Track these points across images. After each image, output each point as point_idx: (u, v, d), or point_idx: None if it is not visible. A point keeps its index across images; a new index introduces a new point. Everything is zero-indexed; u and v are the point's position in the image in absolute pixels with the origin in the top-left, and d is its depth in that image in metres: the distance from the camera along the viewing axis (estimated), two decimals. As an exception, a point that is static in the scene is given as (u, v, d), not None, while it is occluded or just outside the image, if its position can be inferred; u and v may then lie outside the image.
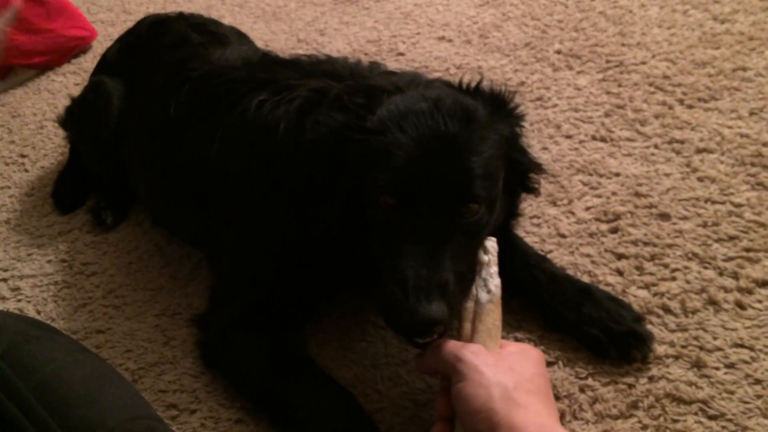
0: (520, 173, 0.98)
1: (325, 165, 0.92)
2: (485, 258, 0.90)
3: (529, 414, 0.74)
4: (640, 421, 0.92)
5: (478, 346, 0.84)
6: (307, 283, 1.06)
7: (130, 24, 1.66)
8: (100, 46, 2.27)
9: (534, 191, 1.02)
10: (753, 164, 1.27)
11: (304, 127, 0.98)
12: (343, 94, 0.96)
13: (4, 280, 1.40)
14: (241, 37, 1.56)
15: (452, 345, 0.84)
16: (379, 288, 0.87)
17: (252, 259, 1.10)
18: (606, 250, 1.17)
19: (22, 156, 1.80)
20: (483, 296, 0.88)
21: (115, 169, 1.48)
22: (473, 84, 0.98)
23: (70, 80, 2.12)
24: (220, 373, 1.10)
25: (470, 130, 0.88)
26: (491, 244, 0.92)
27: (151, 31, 1.52)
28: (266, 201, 1.06)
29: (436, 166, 0.85)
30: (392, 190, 0.86)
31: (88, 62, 2.19)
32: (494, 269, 0.90)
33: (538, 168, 1.00)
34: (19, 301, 1.34)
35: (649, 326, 1.02)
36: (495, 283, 0.89)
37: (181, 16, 1.56)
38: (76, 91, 1.84)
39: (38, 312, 1.31)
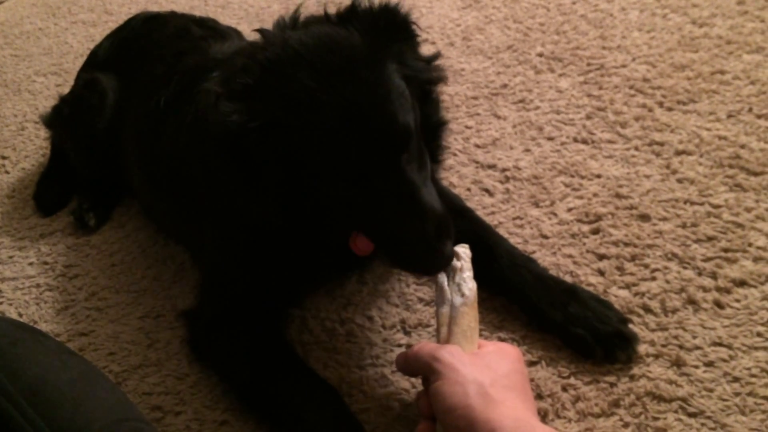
0: (422, 83, 0.97)
1: (233, 162, 0.88)
2: (458, 264, 0.92)
3: (506, 408, 0.75)
4: (621, 419, 0.94)
5: (455, 346, 0.86)
6: (280, 270, 1.07)
7: (112, 25, 1.66)
8: (80, 47, 2.26)
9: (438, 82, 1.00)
10: (731, 166, 1.29)
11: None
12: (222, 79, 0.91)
13: (-15, 282, 1.39)
14: (240, 36, 1.57)
15: (430, 347, 0.86)
16: (385, 248, 0.92)
17: (225, 253, 1.11)
18: (587, 251, 1.19)
19: (3, 158, 1.78)
20: (457, 300, 0.90)
21: (106, 166, 1.48)
22: (345, 10, 0.92)
23: (51, 81, 2.10)
24: (208, 367, 1.11)
25: (368, 78, 0.85)
26: (463, 250, 0.94)
27: (147, 26, 1.52)
28: (219, 192, 1.04)
29: (364, 135, 0.83)
30: (341, 178, 0.86)
31: (69, 63, 2.18)
32: (467, 274, 0.92)
33: (436, 77, 0.99)
34: (0, 303, 1.33)
35: (631, 326, 1.03)
36: (469, 287, 0.91)
37: (175, 14, 1.56)
38: (57, 92, 1.83)
39: (20, 315, 1.30)
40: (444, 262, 0.90)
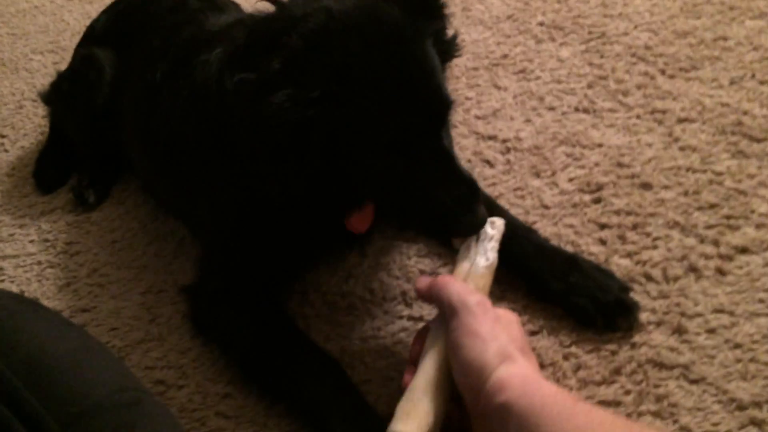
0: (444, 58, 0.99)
1: (285, 150, 0.87)
2: (491, 232, 0.93)
3: (516, 368, 0.76)
4: (622, 387, 0.94)
5: (485, 298, 0.85)
6: (282, 244, 1.07)
7: (108, 1, 1.63)
8: (77, 24, 2.24)
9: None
10: (733, 133, 1.28)
11: (226, 89, 0.91)
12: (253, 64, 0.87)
13: (-14, 260, 1.39)
14: (238, 8, 1.55)
15: (461, 287, 0.85)
16: (417, 217, 0.95)
17: (225, 227, 1.11)
18: (589, 221, 1.18)
19: (2, 136, 1.77)
20: (480, 261, 0.91)
21: (105, 142, 1.47)
22: None
23: (48, 59, 2.09)
24: (210, 341, 1.11)
25: (414, 51, 0.87)
26: (501, 222, 0.95)
27: None
28: (220, 165, 1.05)
29: (414, 105, 0.85)
30: (388, 149, 0.87)
31: (66, 41, 2.16)
32: (494, 245, 0.93)
33: (456, 55, 1.02)
34: (2, 281, 1.33)
35: (632, 295, 1.03)
36: (494, 255, 0.93)
37: None
38: (55, 70, 1.82)
39: (22, 292, 1.30)
40: (482, 222, 0.92)
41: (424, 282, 0.91)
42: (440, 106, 0.89)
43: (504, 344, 0.78)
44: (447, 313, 0.84)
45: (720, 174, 1.20)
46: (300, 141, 0.85)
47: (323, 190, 0.94)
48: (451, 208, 0.90)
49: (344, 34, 0.83)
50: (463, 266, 0.91)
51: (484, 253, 0.91)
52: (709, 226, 1.12)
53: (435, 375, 0.82)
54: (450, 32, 1.01)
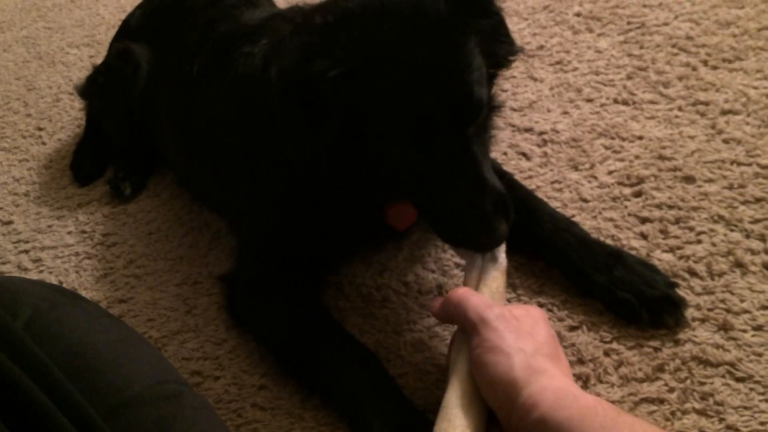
0: (496, 61, 0.97)
1: (300, 115, 0.88)
2: None
3: (546, 379, 0.73)
4: (666, 384, 0.91)
5: (502, 308, 0.83)
6: (321, 234, 1.07)
7: (142, -5, 1.65)
8: (112, 18, 2.27)
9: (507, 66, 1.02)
10: (780, 125, 1.24)
11: (269, 76, 0.96)
12: (295, 33, 0.90)
13: (26, 251, 1.41)
14: (272, 3, 1.55)
15: (477, 302, 0.82)
16: (435, 221, 0.93)
17: (265, 216, 1.11)
18: (629, 214, 1.16)
19: (39, 129, 1.80)
20: (489, 264, 0.90)
21: (140, 136, 1.49)
22: None
23: (84, 52, 2.11)
24: (246, 332, 1.11)
25: (450, 45, 0.85)
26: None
27: None
28: (261, 155, 1.06)
29: (439, 99, 0.83)
30: (408, 140, 0.86)
31: (101, 34, 2.18)
32: (503, 246, 0.92)
33: (515, 52, 1.00)
34: (41, 272, 1.35)
35: (677, 291, 1.00)
36: (503, 256, 0.91)
37: None
38: (91, 63, 1.84)
39: (60, 283, 1.32)
40: (496, 242, 0.89)
41: (438, 305, 0.89)
42: (467, 105, 0.85)
43: (530, 355, 0.75)
44: (467, 330, 0.82)
45: (766, 167, 1.17)
46: (321, 111, 0.85)
47: (351, 174, 0.93)
48: (469, 220, 0.87)
49: (380, 17, 0.84)
50: (473, 272, 0.90)
51: (492, 256, 0.90)
52: (755, 221, 1.09)
53: (466, 388, 0.80)
54: (509, 39, 0.99)
